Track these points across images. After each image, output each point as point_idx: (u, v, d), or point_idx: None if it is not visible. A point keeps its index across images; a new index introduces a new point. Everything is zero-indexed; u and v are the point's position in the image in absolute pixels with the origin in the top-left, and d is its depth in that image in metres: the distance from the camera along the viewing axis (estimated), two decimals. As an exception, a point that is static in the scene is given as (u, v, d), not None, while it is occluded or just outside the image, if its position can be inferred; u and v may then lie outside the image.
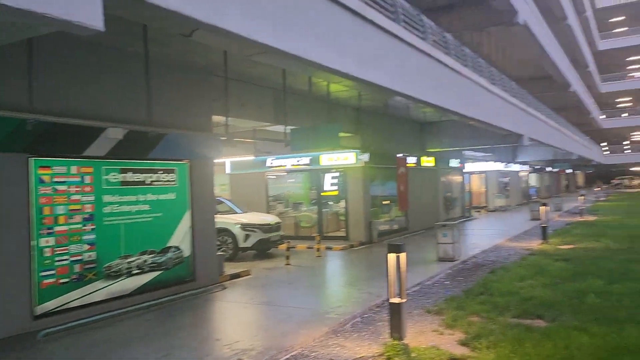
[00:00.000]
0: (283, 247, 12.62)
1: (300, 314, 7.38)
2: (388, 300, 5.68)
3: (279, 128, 12.02)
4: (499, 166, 29.38)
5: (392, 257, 5.57)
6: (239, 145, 12.45)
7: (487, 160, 28.02)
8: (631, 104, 56.98)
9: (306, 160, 15.90)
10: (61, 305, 7.03)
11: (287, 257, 11.89)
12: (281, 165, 16.49)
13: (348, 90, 12.09)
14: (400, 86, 9.54)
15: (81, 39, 6.75)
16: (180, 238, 8.90)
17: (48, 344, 6.30)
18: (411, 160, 17.61)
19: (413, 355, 5.24)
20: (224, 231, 12.39)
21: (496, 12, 18.31)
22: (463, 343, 5.62)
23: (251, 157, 14.80)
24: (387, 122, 16.77)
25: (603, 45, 50.62)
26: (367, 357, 5.35)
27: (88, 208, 7.44)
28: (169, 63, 8.71)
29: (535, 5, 21.63)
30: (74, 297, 7.19)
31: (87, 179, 7.47)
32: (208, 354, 5.84)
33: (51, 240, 6.96)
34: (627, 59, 53.52)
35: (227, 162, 17.24)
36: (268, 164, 16.61)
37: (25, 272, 6.64)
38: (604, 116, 55.06)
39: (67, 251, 7.14)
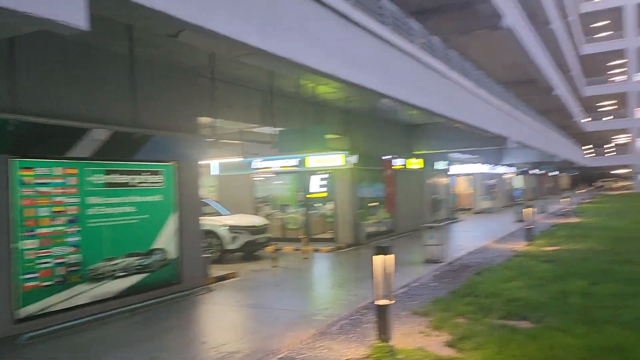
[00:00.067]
0: (270, 249, 12.59)
1: (287, 316, 7.36)
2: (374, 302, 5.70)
3: (267, 130, 12.00)
4: (485, 168, 29.65)
5: (378, 259, 5.58)
6: (226, 146, 12.40)
7: (474, 163, 28.26)
8: (616, 107, 57.88)
9: (294, 162, 15.87)
10: (45, 309, 6.91)
11: (274, 259, 11.86)
12: (268, 167, 16.44)
13: (336, 92, 12.10)
14: (387, 89, 9.60)
15: (66, 39, 6.66)
16: (166, 240, 8.82)
17: (30, 347, 6.20)
18: (398, 162, 17.68)
19: (400, 357, 5.25)
20: (211, 233, 12.28)
21: (482, 16, 18.55)
22: (449, 344, 5.64)
23: (238, 159, 14.73)
24: (376, 124, 16.81)
25: (587, 49, 51.51)
26: (354, 359, 5.35)
27: (72, 210, 7.33)
28: (155, 64, 8.62)
29: (520, 10, 21.93)
30: (57, 300, 7.07)
31: (72, 181, 7.35)
32: (194, 357, 5.80)
33: (34, 243, 6.83)
34: (609, 64, 54.56)
35: (213, 164, 17.13)
36: (255, 165, 16.55)
37: (6, 275, 6.51)
38: (589, 119, 55.87)
39: (50, 254, 7.01)
